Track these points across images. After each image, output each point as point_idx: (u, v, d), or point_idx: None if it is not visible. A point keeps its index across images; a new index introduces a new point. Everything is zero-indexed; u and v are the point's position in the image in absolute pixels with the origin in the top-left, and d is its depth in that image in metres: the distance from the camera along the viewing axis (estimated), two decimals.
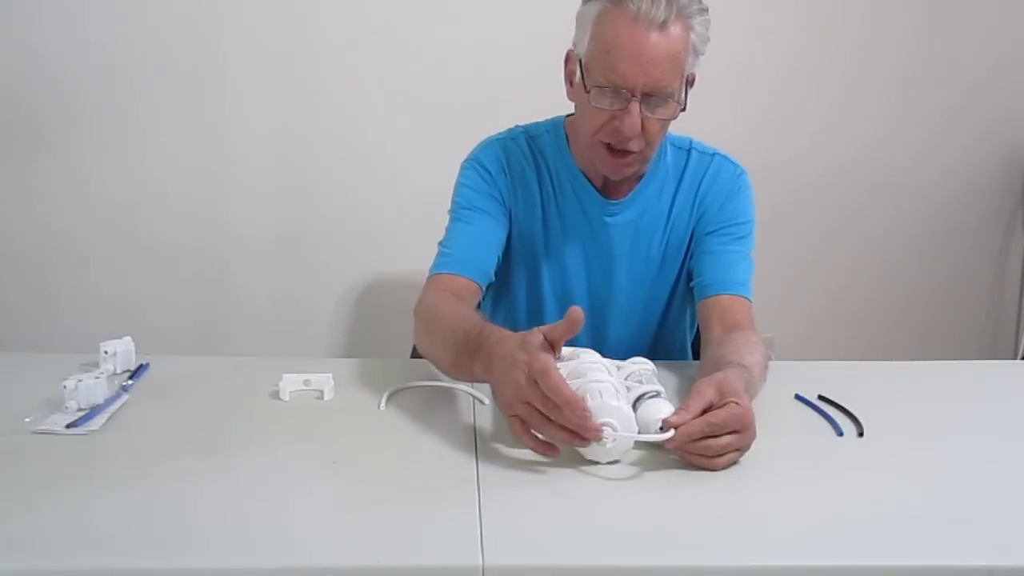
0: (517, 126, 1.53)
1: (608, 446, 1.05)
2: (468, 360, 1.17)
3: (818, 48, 2.57)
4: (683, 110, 1.35)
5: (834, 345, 2.69)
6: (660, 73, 1.28)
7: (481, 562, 0.89)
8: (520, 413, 1.05)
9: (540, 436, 1.06)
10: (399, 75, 2.42)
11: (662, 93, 1.30)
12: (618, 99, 1.31)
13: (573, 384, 1.07)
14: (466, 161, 1.51)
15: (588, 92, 1.33)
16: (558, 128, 1.51)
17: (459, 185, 1.49)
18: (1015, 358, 2.78)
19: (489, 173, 1.47)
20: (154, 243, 2.42)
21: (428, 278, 1.41)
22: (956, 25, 2.62)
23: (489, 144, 1.51)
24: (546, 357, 1.03)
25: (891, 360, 1.50)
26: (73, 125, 2.34)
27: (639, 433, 1.08)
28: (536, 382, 1.02)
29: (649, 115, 1.31)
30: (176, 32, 2.33)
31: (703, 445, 1.05)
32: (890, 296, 2.77)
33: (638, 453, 1.11)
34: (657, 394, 1.15)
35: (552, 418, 1.03)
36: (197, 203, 2.43)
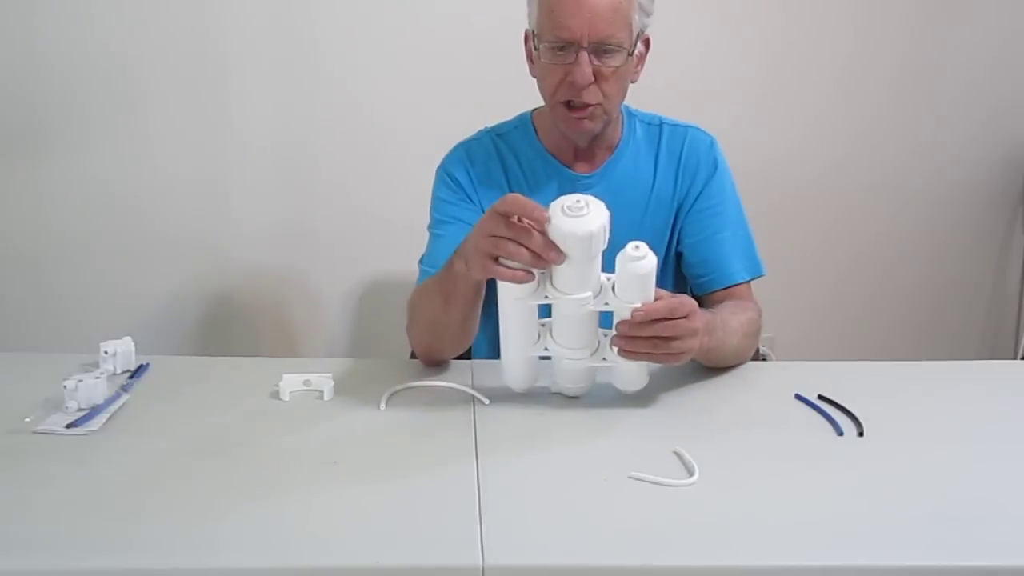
0: (484, 128, 1.57)
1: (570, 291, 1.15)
2: (448, 271, 1.27)
3: (815, 46, 2.57)
4: (634, 56, 1.41)
5: (833, 345, 2.68)
6: (603, 23, 1.35)
7: (481, 562, 0.89)
8: (489, 248, 1.14)
9: (511, 265, 1.14)
10: (404, 73, 2.41)
11: (609, 42, 1.36)
12: (568, 54, 1.37)
13: None
14: (437, 170, 1.55)
15: (538, 50, 1.40)
16: (525, 122, 1.55)
17: (432, 198, 1.53)
18: (1015, 358, 2.78)
19: (455, 180, 1.51)
20: (155, 243, 2.41)
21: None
22: (954, 22, 2.61)
23: (453, 150, 1.55)
24: (505, 204, 1.14)
25: (891, 360, 1.50)
26: (74, 123, 2.34)
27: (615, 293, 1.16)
28: (500, 214, 1.13)
29: (599, 64, 1.37)
30: (179, 28, 2.32)
31: (660, 326, 1.15)
32: (890, 296, 2.77)
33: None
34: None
35: (518, 239, 1.12)
36: (198, 204, 2.42)
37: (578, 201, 1.12)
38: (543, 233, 1.12)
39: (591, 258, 1.15)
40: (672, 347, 1.18)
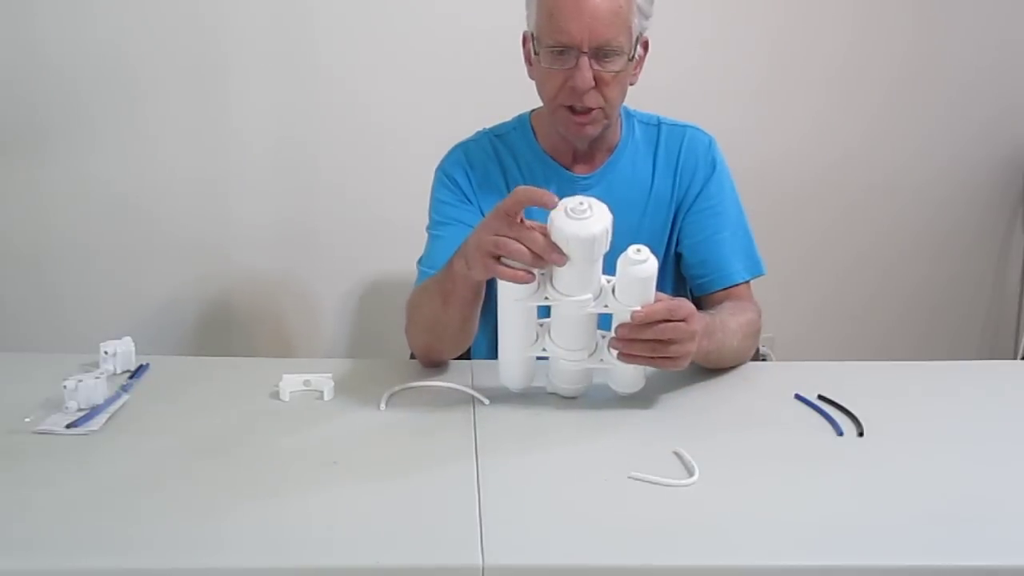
0: (483, 129, 1.57)
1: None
2: (448, 272, 1.26)
3: (815, 46, 2.57)
4: (634, 59, 1.40)
5: (834, 345, 2.69)
6: (604, 27, 1.35)
7: (481, 562, 0.89)
8: (490, 247, 1.14)
9: (513, 265, 1.14)
10: (404, 73, 2.41)
11: (609, 47, 1.36)
12: (568, 58, 1.36)
13: None
14: (436, 171, 1.54)
15: (538, 55, 1.39)
16: (524, 123, 1.55)
17: (431, 199, 1.53)
18: (1015, 358, 2.78)
19: (454, 180, 1.51)
20: (155, 243, 2.42)
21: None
22: (954, 21, 2.61)
23: (452, 151, 1.55)
24: (516, 197, 1.14)
25: (891, 360, 1.50)
26: (74, 123, 2.34)
27: (615, 294, 1.16)
28: (504, 213, 1.14)
29: (600, 69, 1.37)
30: (179, 28, 2.32)
31: (658, 328, 1.15)
32: (890, 296, 2.77)
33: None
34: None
35: (520, 238, 1.12)
36: (198, 204, 2.42)
37: (581, 203, 1.12)
38: (545, 234, 1.12)
39: (592, 260, 1.14)
40: (670, 351, 1.18)
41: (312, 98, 2.41)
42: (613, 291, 1.17)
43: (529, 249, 1.12)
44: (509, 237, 1.13)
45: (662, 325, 1.16)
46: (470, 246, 1.19)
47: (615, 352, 1.19)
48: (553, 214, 1.13)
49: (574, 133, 1.44)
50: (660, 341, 1.17)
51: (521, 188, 1.16)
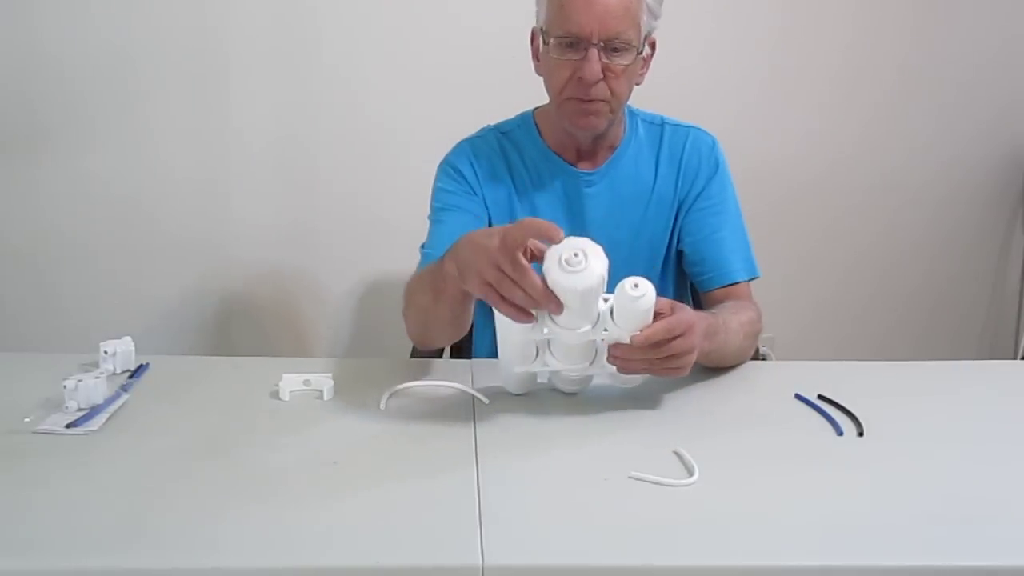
0: (487, 126, 1.58)
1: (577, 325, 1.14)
2: (439, 270, 1.22)
3: (814, 45, 2.57)
4: (642, 55, 1.41)
5: (833, 345, 2.69)
6: (614, 20, 1.36)
7: (481, 562, 0.89)
8: (491, 280, 1.10)
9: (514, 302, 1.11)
10: (406, 73, 2.42)
11: (619, 40, 1.37)
12: (578, 49, 1.37)
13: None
14: (439, 165, 1.55)
15: (548, 45, 1.40)
16: (527, 120, 1.56)
17: (434, 190, 1.53)
18: (1015, 358, 2.78)
19: (460, 172, 1.51)
20: (155, 242, 2.42)
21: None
22: (954, 22, 2.62)
23: (458, 146, 1.56)
24: (522, 229, 1.09)
25: (891, 360, 1.50)
26: (74, 122, 2.34)
27: (612, 318, 1.15)
28: (508, 248, 1.08)
29: (608, 62, 1.37)
30: (180, 27, 2.33)
31: (663, 347, 1.15)
32: (890, 296, 2.77)
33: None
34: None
35: (520, 282, 1.08)
36: (199, 203, 2.42)
37: (575, 254, 1.09)
38: (544, 282, 1.09)
39: (590, 305, 1.13)
40: (670, 363, 1.17)
41: (312, 98, 2.41)
42: (611, 313, 1.16)
43: (527, 294, 1.09)
44: (511, 279, 1.09)
45: (663, 345, 1.15)
46: (467, 263, 1.14)
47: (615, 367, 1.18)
48: (548, 265, 1.10)
49: (580, 124, 1.44)
50: (660, 357, 1.17)
51: (528, 220, 1.12)
